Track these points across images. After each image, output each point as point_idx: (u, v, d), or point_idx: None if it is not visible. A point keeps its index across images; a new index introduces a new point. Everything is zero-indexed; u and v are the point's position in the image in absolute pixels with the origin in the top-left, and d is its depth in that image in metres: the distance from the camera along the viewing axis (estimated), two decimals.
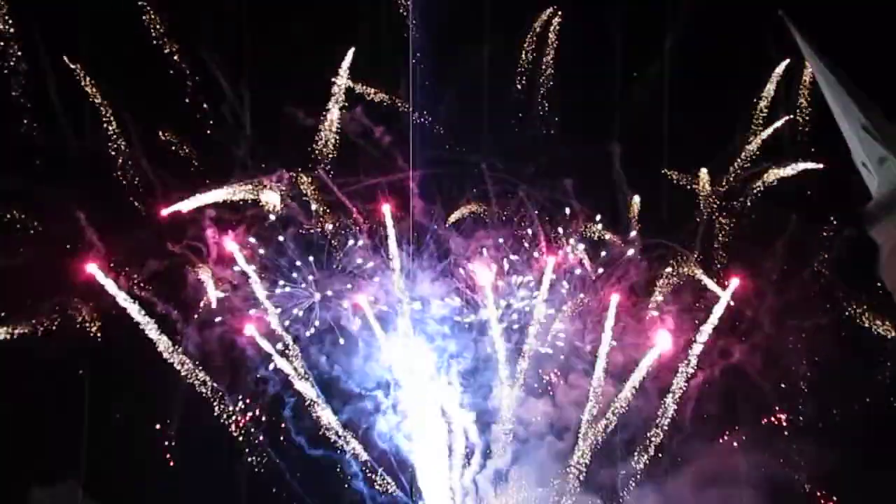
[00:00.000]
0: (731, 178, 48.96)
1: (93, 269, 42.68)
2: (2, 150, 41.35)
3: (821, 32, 35.95)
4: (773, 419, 46.21)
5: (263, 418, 45.04)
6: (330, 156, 47.25)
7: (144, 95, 44.06)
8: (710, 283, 47.34)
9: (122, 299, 42.73)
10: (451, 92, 48.87)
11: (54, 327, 41.82)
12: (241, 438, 44.29)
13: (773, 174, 47.82)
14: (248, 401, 44.63)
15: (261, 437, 44.63)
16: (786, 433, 45.91)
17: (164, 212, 44.05)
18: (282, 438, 45.05)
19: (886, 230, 34.09)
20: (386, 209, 46.50)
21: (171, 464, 43.35)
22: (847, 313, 45.62)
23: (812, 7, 38.00)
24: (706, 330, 46.32)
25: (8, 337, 41.03)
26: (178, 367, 43.24)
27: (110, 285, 42.69)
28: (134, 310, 42.81)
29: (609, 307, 47.00)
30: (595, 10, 49.11)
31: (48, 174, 41.96)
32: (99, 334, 42.91)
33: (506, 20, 49.13)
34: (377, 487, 45.44)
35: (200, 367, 43.70)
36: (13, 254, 40.70)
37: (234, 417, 44.22)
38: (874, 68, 39.25)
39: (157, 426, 43.35)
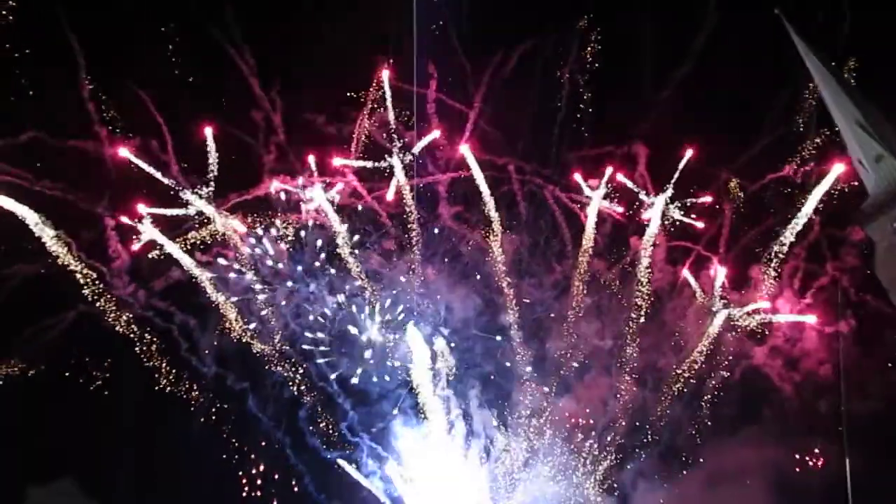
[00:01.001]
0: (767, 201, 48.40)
1: None
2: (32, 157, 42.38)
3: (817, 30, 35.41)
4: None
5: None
6: (358, 160, 47.84)
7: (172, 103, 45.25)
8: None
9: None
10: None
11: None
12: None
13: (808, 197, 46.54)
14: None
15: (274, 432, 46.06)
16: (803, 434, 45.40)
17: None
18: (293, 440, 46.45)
19: (882, 228, 33.73)
20: (385, 75, 46.32)
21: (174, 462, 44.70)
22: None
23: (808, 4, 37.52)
24: None
25: (16, 372, 42.35)
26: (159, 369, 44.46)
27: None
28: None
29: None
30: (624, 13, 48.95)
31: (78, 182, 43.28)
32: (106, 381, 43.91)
33: (538, 24, 48.99)
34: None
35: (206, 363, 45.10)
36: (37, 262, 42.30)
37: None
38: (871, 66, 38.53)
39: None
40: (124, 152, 43.55)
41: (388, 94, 46.61)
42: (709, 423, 46.94)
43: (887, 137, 33.77)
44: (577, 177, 47.97)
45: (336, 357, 46.70)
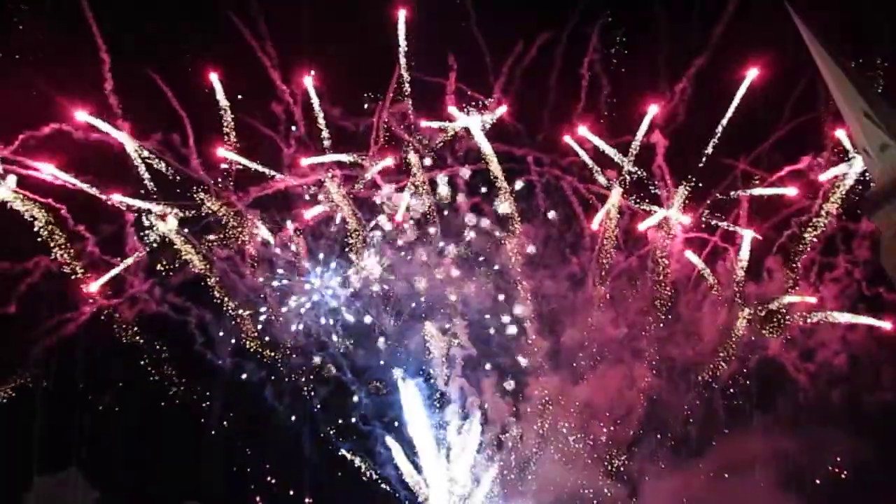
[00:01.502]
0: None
1: None
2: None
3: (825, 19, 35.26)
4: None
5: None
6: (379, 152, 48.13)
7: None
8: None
9: None
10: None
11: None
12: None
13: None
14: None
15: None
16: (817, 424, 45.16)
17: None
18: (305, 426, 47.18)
19: (887, 217, 33.56)
20: (401, 15, 45.33)
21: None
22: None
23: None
24: None
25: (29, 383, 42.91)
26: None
27: None
28: None
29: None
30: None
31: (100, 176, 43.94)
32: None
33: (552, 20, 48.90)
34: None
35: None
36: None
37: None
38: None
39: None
40: (83, 116, 42.54)
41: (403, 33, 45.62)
42: (722, 414, 47.06)
43: (893, 127, 33.51)
44: (568, 139, 47.61)
45: (351, 347, 47.27)
